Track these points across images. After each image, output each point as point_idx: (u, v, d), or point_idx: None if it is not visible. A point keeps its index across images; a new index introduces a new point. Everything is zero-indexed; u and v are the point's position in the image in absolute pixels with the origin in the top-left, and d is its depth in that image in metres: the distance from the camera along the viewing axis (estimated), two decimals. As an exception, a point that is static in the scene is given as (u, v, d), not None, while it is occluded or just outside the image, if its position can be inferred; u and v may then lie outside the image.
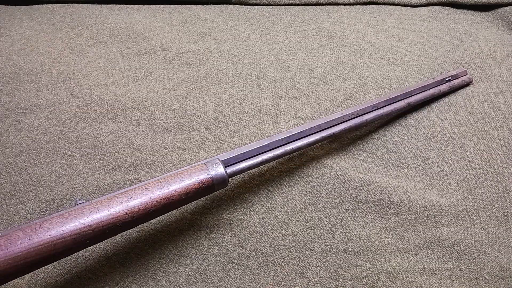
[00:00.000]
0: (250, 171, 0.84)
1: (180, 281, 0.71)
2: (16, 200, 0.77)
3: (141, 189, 0.62)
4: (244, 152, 0.72)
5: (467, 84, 1.03)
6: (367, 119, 0.86)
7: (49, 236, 0.54)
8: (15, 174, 0.80)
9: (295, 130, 0.78)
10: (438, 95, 0.98)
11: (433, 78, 0.98)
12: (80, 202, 0.60)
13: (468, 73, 1.04)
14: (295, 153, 0.87)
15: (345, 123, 0.83)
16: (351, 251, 0.76)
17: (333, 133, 0.81)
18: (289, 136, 0.77)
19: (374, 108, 0.88)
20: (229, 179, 0.70)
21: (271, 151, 0.75)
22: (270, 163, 0.85)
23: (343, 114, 0.83)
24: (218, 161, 0.68)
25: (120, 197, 0.60)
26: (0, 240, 0.52)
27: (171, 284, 0.70)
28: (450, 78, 1.00)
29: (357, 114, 0.85)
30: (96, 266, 0.71)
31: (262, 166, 0.85)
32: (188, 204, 0.79)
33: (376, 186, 0.83)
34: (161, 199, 0.62)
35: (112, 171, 0.82)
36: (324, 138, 0.81)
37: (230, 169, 0.70)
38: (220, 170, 0.67)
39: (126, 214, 0.59)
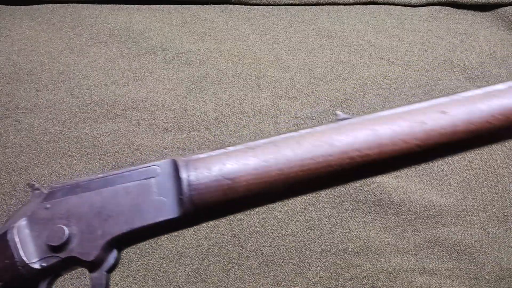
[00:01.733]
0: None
1: (180, 281, 0.71)
2: (16, 200, 0.77)
3: (460, 101, 0.40)
4: None
5: None
6: None
7: (319, 153, 0.38)
8: (15, 174, 0.80)
9: None
10: None
11: None
12: (345, 117, 0.41)
13: None
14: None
15: None
16: (351, 251, 0.76)
17: None
18: None
19: None
20: None
21: None
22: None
23: None
24: None
25: (433, 111, 0.39)
26: (273, 148, 0.40)
27: (171, 284, 0.70)
28: None
29: None
30: (96, 266, 0.71)
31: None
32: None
33: (376, 186, 0.83)
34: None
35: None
36: None
37: None
38: None
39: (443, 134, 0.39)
